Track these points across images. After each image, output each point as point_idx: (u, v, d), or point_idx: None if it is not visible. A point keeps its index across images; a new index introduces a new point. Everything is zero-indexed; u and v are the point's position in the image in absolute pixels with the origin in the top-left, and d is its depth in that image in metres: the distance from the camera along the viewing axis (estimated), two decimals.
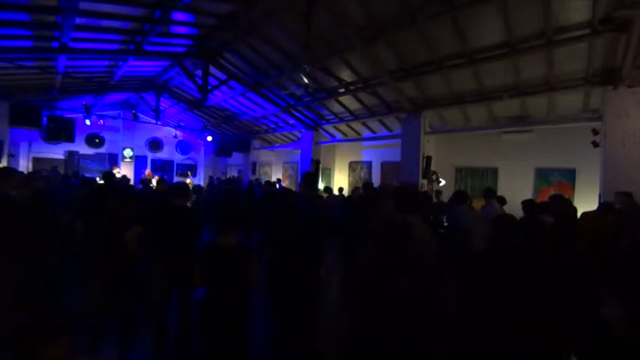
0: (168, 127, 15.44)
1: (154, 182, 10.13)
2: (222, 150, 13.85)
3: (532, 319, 1.85)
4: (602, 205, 4.19)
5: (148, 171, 13.68)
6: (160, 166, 16.03)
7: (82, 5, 4.79)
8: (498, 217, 2.29)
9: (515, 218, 2.31)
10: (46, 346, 1.28)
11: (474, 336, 1.83)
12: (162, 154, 16.23)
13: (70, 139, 11.14)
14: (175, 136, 15.69)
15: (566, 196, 5.80)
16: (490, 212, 4.64)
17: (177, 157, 16.66)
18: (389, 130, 9.32)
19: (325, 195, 8.09)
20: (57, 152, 13.04)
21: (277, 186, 10.39)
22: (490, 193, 5.21)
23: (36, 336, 1.30)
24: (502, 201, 5.68)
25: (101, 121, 13.54)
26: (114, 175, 8.27)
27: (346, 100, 8.51)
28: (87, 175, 10.29)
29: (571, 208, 4.64)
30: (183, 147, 16.72)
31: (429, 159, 7.77)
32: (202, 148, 16.94)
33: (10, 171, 3.53)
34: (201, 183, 14.07)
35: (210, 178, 12.54)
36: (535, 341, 1.85)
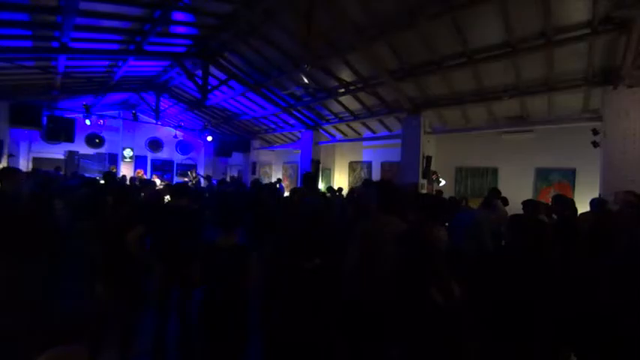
0: (168, 127, 15.45)
1: (157, 182, 10.13)
2: (222, 150, 13.85)
3: (535, 320, 1.85)
4: (596, 204, 4.09)
5: (139, 170, 13.74)
6: (160, 166, 16.04)
7: (82, 5, 4.79)
8: (512, 218, 2.24)
9: (527, 219, 2.28)
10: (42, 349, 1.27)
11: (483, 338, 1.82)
12: (162, 154, 16.24)
13: (70, 139, 11.13)
14: (175, 136, 15.70)
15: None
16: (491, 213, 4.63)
17: (177, 157, 16.66)
18: (389, 130, 9.32)
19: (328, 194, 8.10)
20: (57, 152, 13.04)
21: (277, 186, 10.38)
22: (493, 194, 5.19)
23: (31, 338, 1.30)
24: (505, 201, 5.68)
25: (101, 121, 13.54)
26: (114, 174, 8.30)
27: (346, 100, 8.51)
28: (87, 175, 10.30)
29: (570, 209, 4.57)
30: (183, 147, 16.72)
31: (429, 159, 7.77)
32: (202, 148, 16.94)
33: (14, 171, 3.52)
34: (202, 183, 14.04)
35: (208, 177, 12.42)
36: (539, 342, 1.85)
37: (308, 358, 1.98)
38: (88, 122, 12.32)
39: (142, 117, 13.94)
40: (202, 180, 11.89)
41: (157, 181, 10.21)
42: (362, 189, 6.42)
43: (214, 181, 10.85)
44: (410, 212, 2.78)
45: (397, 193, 2.53)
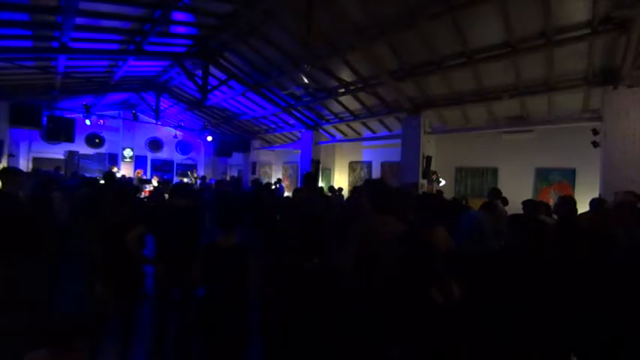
0: (168, 127, 15.45)
1: (154, 182, 10.16)
2: (222, 150, 13.85)
3: (535, 320, 1.85)
4: (596, 204, 4.07)
5: (138, 170, 13.81)
6: (160, 166, 16.04)
7: (82, 5, 4.78)
8: (512, 218, 2.24)
9: (527, 219, 2.28)
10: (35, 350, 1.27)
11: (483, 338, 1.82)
12: (162, 154, 16.24)
13: (70, 139, 11.12)
14: (175, 136, 15.70)
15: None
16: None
17: (177, 157, 16.66)
18: (389, 130, 9.32)
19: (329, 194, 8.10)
20: (57, 152, 13.03)
21: (277, 186, 10.39)
22: (494, 194, 5.18)
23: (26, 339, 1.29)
24: (505, 201, 5.67)
25: (101, 121, 13.56)
26: (114, 175, 8.31)
27: (346, 100, 8.51)
28: (87, 175, 10.30)
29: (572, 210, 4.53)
30: (183, 147, 16.72)
31: (429, 159, 7.77)
32: (202, 148, 16.94)
33: (16, 171, 3.51)
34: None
35: (203, 179, 12.40)
36: (539, 342, 1.85)
37: (308, 358, 1.98)
38: (88, 122, 12.32)
39: (142, 117, 13.93)
40: (190, 180, 11.94)
41: (154, 183, 10.27)
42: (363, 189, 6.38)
43: (212, 181, 10.86)
44: (410, 212, 2.78)
45: (392, 193, 2.53)
